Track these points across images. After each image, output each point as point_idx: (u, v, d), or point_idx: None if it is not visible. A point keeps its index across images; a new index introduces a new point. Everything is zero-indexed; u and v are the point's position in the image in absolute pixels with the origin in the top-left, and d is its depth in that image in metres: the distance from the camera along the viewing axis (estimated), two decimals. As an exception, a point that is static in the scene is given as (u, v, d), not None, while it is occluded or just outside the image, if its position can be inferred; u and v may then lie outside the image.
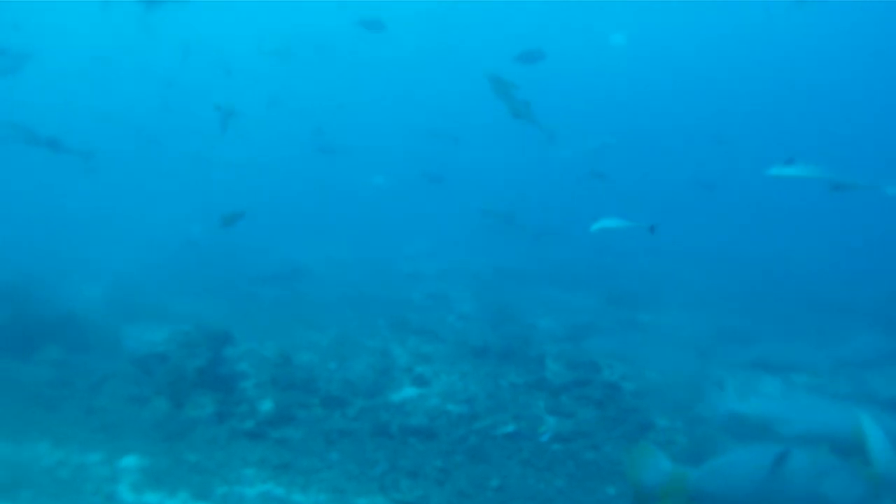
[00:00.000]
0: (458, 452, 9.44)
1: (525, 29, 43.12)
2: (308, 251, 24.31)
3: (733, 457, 6.81)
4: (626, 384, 12.37)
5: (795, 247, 28.67)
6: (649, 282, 21.60)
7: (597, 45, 47.10)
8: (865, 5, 39.70)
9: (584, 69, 45.32)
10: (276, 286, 19.87)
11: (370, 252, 25.09)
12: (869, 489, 6.41)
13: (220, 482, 8.39)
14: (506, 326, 16.11)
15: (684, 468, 6.80)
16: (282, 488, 8.37)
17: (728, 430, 9.46)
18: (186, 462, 8.75)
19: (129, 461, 8.68)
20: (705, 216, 31.31)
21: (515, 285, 21.25)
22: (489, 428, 10.18)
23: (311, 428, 9.87)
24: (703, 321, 17.60)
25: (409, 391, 11.61)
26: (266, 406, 10.39)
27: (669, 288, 21.11)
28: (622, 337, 15.90)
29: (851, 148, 40.67)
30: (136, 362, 11.24)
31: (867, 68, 47.81)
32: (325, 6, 42.99)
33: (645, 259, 24.27)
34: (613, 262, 22.90)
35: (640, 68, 49.56)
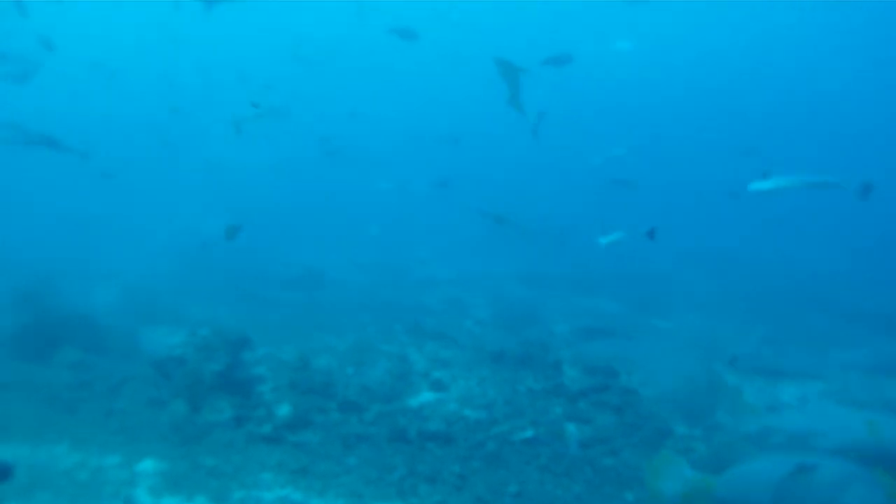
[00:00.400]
0: (476, 458, 9.41)
1: (539, 34, 43.02)
2: (323, 255, 24.32)
3: (755, 466, 6.77)
4: (644, 390, 12.29)
5: (809, 252, 28.51)
6: (666, 287, 21.52)
7: (611, 51, 47.06)
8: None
9: (600, 75, 45.19)
10: (293, 290, 19.91)
11: (385, 256, 25.09)
12: (891, 500, 6.35)
13: (238, 486, 8.39)
14: (523, 331, 16.06)
15: (706, 476, 6.75)
16: (299, 493, 8.36)
17: (754, 441, 9.40)
18: (204, 466, 8.75)
19: (147, 464, 8.69)
20: (725, 222, 31.16)
21: (532, 290, 21.20)
22: (507, 433, 10.14)
23: (328, 432, 9.86)
24: (718, 326, 17.52)
25: (426, 396, 11.59)
26: (284, 410, 10.38)
27: (686, 293, 21.02)
28: (639, 342, 15.85)
29: (875, 151, 40.53)
30: (155, 365, 11.26)
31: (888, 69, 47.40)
32: (343, 12, 43.23)
33: (663, 264, 24.15)
34: (632, 267, 22.79)
35: (660, 74, 49.42)
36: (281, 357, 12.70)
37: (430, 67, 47.22)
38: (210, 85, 30.58)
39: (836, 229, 32.19)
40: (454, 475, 8.92)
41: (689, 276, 23.66)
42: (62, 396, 10.58)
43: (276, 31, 36.16)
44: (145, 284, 18.22)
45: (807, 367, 14.08)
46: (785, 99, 48.49)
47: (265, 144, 33.12)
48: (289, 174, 34.80)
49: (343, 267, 23.32)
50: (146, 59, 33.91)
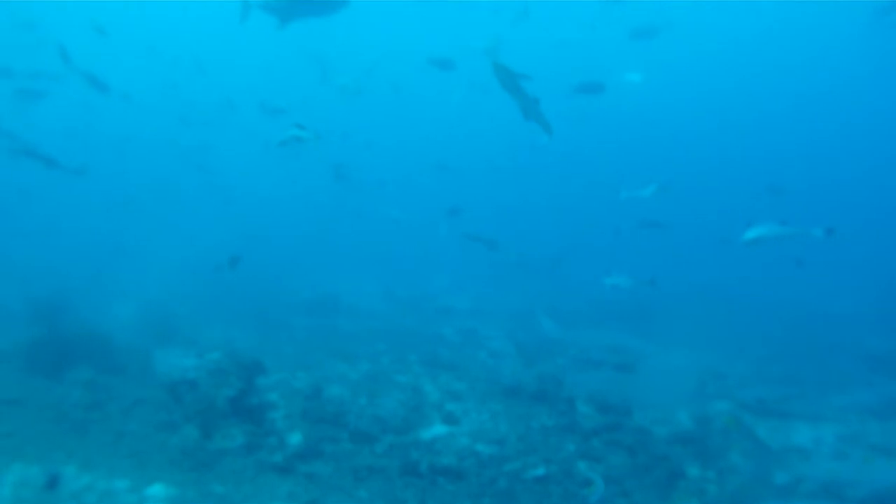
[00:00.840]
0: (488, 495, 9.29)
1: (566, 65, 43.12)
2: (338, 280, 24.33)
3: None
4: (657, 429, 12.16)
5: (822, 291, 28.28)
6: (682, 322, 21.37)
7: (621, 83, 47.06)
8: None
9: (613, 107, 45.17)
10: (308, 315, 19.92)
11: (399, 284, 25.09)
12: None
13: (247, 516, 8.31)
14: (537, 365, 15.96)
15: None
16: (309, 525, 8.26)
17: (783, 489, 9.25)
18: (214, 494, 8.67)
19: (156, 490, 8.60)
20: (743, 260, 30.99)
21: (547, 322, 21.06)
22: (519, 470, 10.02)
23: (339, 463, 9.77)
24: (732, 365, 17.37)
25: (439, 429, 11.48)
26: (295, 439, 10.30)
27: (700, 329, 20.87)
28: (652, 379, 15.72)
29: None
30: (167, 388, 11.19)
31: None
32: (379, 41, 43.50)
33: (680, 299, 24.02)
34: (649, 301, 22.66)
35: (674, 105, 49.37)
36: (294, 384, 12.65)
37: (460, 97, 47.33)
38: (233, 110, 30.73)
39: (851, 269, 31.96)
40: (465, 512, 8.81)
41: (704, 311, 23.48)
42: (73, 416, 10.52)
43: (307, 56, 36.43)
44: (161, 304, 18.25)
45: (820, 409, 13.92)
46: (804, 132, 48.31)
47: (283, 169, 33.33)
48: (307, 199, 34.96)
49: (359, 292, 23.30)
50: (166, 83, 34.12)
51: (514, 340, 18.62)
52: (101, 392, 11.49)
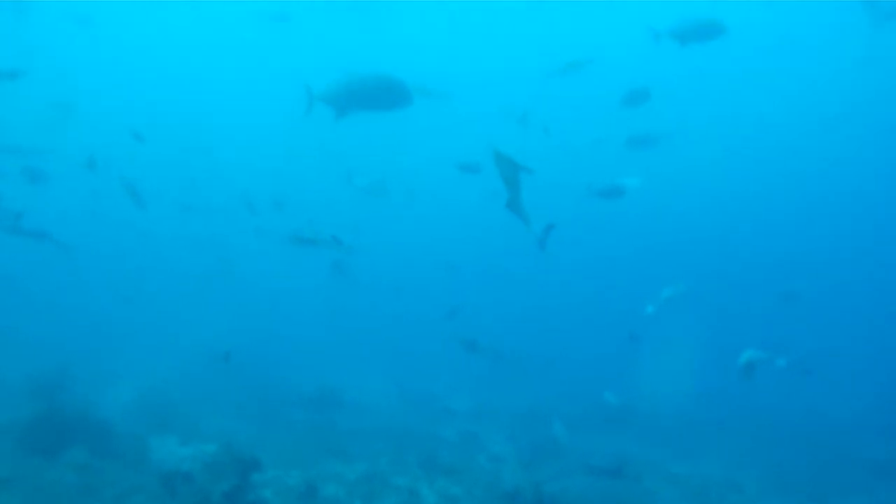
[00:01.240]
0: None
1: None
2: (339, 373, 24.18)
3: None
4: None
5: (827, 399, 28.01)
6: (688, 428, 21.21)
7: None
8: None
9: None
10: (307, 409, 19.81)
11: (401, 380, 24.96)
12: None
13: None
14: (537, 470, 15.75)
15: None
16: None
17: None
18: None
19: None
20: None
21: (547, 426, 20.88)
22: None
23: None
24: (735, 476, 17.11)
25: (434, 535, 11.25)
26: (287, 540, 10.09)
27: (704, 436, 20.69)
28: (653, 488, 15.49)
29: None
30: (162, 478, 11.03)
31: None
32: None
33: (686, 404, 23.80)
34: (655, 405, 22.50)
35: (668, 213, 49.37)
36: (288, 482, 12.45)
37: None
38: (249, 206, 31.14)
39: (851, 375, 31.70)
40: None
41: (709, 417, 23.25)
42: (65, 501, 10.34)
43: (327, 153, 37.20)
44: (159, 390, 18.17)
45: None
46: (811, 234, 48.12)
47: (293, 262, 33.54)
48: (314, 292, 35.07)
49: (361, 388, 23.12)
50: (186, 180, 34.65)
51: (514, 443, 18.42)
52: (95, 477, 11.34)
